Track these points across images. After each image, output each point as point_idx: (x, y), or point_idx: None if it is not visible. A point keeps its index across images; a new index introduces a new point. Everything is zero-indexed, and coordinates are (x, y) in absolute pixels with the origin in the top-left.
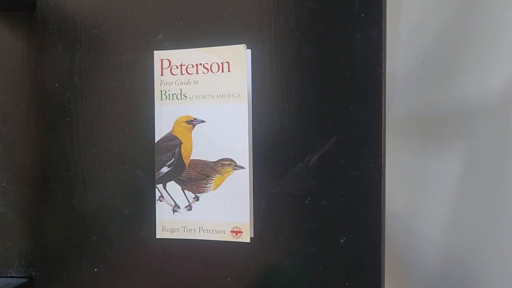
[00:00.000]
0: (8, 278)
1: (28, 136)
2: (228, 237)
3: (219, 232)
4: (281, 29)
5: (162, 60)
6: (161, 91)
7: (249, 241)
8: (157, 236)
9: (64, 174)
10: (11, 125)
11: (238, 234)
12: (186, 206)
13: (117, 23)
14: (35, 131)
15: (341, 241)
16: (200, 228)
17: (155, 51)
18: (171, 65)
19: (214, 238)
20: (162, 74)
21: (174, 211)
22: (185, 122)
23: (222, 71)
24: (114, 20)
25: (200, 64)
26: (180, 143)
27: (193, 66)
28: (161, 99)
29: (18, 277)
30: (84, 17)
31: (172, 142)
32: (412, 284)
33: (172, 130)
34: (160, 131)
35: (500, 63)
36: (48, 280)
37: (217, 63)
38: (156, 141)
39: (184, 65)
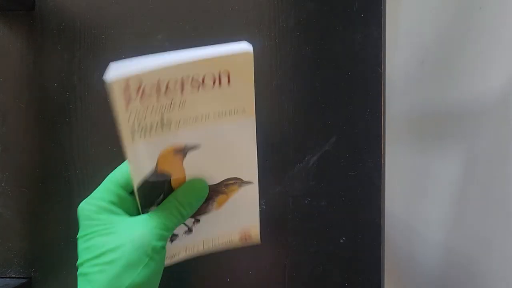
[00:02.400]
0: (7, 279)
1: (27, 136)
2: (236, 243)
3: (226, 242)
4: (281, 29)
5: (124, 88)
6: (132, 126)
7: (259, 242)
8: None
9: (63, 174)
10: (10, 125)
11: (248, 238)
12: (185, 231)
13: (117, 23)
14: (34, 131)
15: (341, 241)
16: (204, 243)
17: (109, 79)
18: (140, 90)
19: (221, 248)
20: (128, 106)
21: (171, 240)
22: (173, 152)
23: (220, 84)
24: (114, 20)
25: (187, 78)
26: (169, 177)
27: (176, 84)
28: (133, 138)
29: (17, 278)
30: (84, 17)
31: (159, 180)
32: (412, 284)
33: (156, 166)
34: (140, 173)
35: (500, 63)
36: (47, 281)
37: (213, 74)
38: (136, 185)
39: (163, 81)
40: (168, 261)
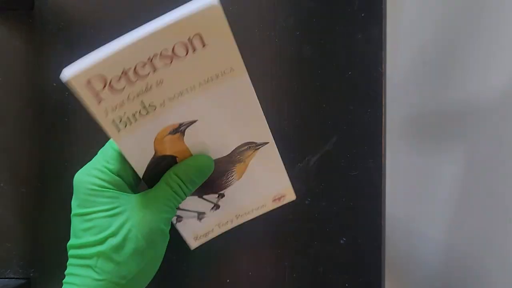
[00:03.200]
0: (6, 279)
1: (26, 136)
2: (271, 206)
3: (259, 208)
4: (281, 29)
5: (87, 82)
6: (113, 121)
7: (295, 198)
8: (192, 248)
9: (62, 175)
10: (9, 125)
11: (282, 199)
12: (212, 208)
13: (116, 22)
14: (33, 131)
15: (341, 241)
16: (238, 215)
17: (66, 77)
18: (107, 80)
19: (256, 215)
20: (100, 101)
21: (199, 219)
22: (169, 134)
23: (194, 50)
24: (113, 20)
25: (155, 55)
26: (174, 158)
27: (144, 64)
28: (119, 131)
29: (16, 278)
30: (83, 16)
31: (164, 163)
32: (413, 285)
33: (155, 153)
34: (140, 164)
35: (501, 63)
36: (46, 281)
37: (183, 43)
38: (141, 176)
39: (129, 69)
40: (203, 239)
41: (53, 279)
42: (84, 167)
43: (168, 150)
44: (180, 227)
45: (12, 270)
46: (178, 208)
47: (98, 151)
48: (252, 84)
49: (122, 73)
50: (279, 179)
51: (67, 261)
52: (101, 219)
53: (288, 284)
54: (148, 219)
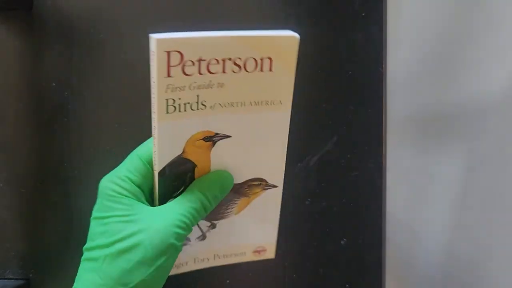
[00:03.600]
0: (5, 280)
1: (25, 136)
2: (249, 257)
3: (238, 254)
4: (281, 29)
5: (169, 53)
6: (167, 100)
7: (273, 257)
8: None
9: (62, 175)
10: (7, 125)
11: (262, 253)
12: (198, 237)
13: (115, 22)
14: (33, 131)
15: (342, 242)
16: (216, 256)
17: (154, 37)
18: (184, 60)
19: (232, 262)
20: (169, 75)
21: (183, 245)
22: (203, 139)
23: (261, 70)
24: (112, 19)
25: (229, 59)
26: (194, 166)
27: (218, 62)
28: (167, 112)
29: (15, 279)
30: (82, 16)
31: (183, 167)
32: (413, 285)
33: (182, 152)
34: (165, 156)
35: (502, 62)
36: (45, 282)
37: (255, 59)
38: (158, 170)
39: (205, 60)
40: (174, 270)
41: (53, 279)
42: (109, 173)
43: (194, 155)
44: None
45: (11, 270)
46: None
47: (97, 151)
48: None
49: (197, 60)
50: (269, 231)
51: (66, 262)
52: (115, 223)
53: (288, 284)
54: (161, 231)
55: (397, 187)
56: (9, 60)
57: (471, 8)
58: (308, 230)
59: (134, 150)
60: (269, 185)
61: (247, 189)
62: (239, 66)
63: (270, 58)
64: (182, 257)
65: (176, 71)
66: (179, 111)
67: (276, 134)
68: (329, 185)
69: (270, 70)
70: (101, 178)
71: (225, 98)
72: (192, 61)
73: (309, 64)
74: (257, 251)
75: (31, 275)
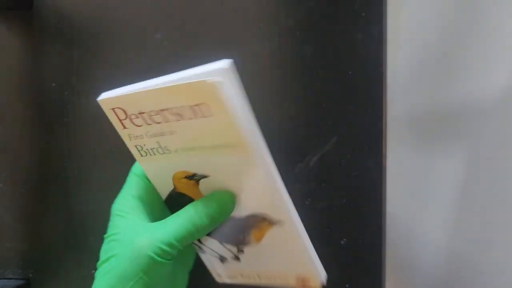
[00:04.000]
0: (5, 280)
1: (25, 136)
2: (293, 284)
3: (282, 278)
4: (281, 29)
5: (113, 109)
6: (136, 146)
7: (319, 286)
8: (218, 281)
9: (61, 175)
10: (8, 125)
11: (306, 282)
12: (233, 257)
13: (115, 22)
14: (32, 131)
15: (342, 242)
16: (260, 276)
17: (99, 99)
18: (128, 114)
19: (280, 285)
20: (124, 127)
21: (222, 261)
22: (185, 178)
23: (203, 116)
24: (112, 19)
25: (165, 109)
26: (190, 199)
27: (157, 113)
28: (141, 156)
29: (15, 279)
30: (82, 16)
31: (181, 200)
32: (413, 285)
33: (174, 188)
34: (161, 190)
35: (502, 62)
36: (45, 282)
37: (189, 107)
38: (164, 199)
39: (144, 112)
40: (227, 280)
41: (53, 279)
42: (119, 193)
43: (185, 190)
44: (203, 258)
45: (11, 270)
46: (201, 243)
47: (97, 151)
48: (252, 84)
49: (138, 113)
50: (305, 264)
51: (66, 262)
52: (109, 242)
53: None
54: (136, 244)
55: (396, 187)
56: (9, 60)
57: (471, 8)
58: (308, 230)
59: (131, 169)
60: (274, 221)
61: (253, 223)
62: (178, 115)
63: (204, 104)
64: (229, 270)
65: (127, 123)
66: (150, 155)
67: (251, 173)
68: (329, 185)
69: (211, 115)
70: (101, 178)
71: (182, 143)
72: (135, 115)
73: (309, 64)
74: (300, 282)
75: (31, 275)
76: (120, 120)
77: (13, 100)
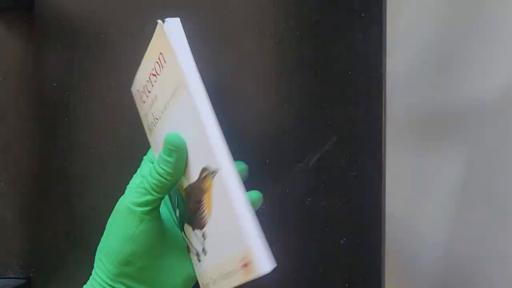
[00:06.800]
0: (6, 279)
1: (26, 136)
2: (242, 277)
3: (230, 275)
4: (281, 29)
5: (136, 92)
6: (147, 125)
7: (265, 272)
8: None
9: (62, 175)
10: (9, 125)
11: (248, 267)
12: (203, 250)
13: (116, 23)
14: (34, 131)
15: (341, 241)
16: (211, 279)
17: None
18: (142, 93)
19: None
20: (141, 111)
21: (198, 260)
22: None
23: (162, 67)
24: (113, 20)
25: (150, 74)
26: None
27: (148, 81)
28: (150, 134)
29: (16, 278)
30: (83, 16)
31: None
32: (413, 285)
33: None
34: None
35: (501, 62)
36: (46, 281)
37: (157, 62)
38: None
39: (144, 85)
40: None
41: (53, 279)
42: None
43: None
44: (196, 272)
45: (12, 270)
46: (184, 234)
47: (97, 151)
48: (252, 84)
49: (143, 87)
50: (239, 230)
51: (67, 261)
52: None
53: (288, 284)
54: (119, 204)
55: (396, 187)
56: (10, 60)
57: (471, 9)
58: (308, 230)
59: (145, 156)
60: (212, 171)
61: (203, 184)
62: (155, 75)
63: (161, 53)
64: (203, 275)
65: (140, 104)
66: (151, 130)
67: (192, 115)
68: (329, 185)
69: (165, 62)
70: (101, 178)
71: (160, 104)
72: (142, 91)
73: (309, 64)
74: (244, 265)
75: (31, 274)
76: (139, 103)
77: (14, 100)
